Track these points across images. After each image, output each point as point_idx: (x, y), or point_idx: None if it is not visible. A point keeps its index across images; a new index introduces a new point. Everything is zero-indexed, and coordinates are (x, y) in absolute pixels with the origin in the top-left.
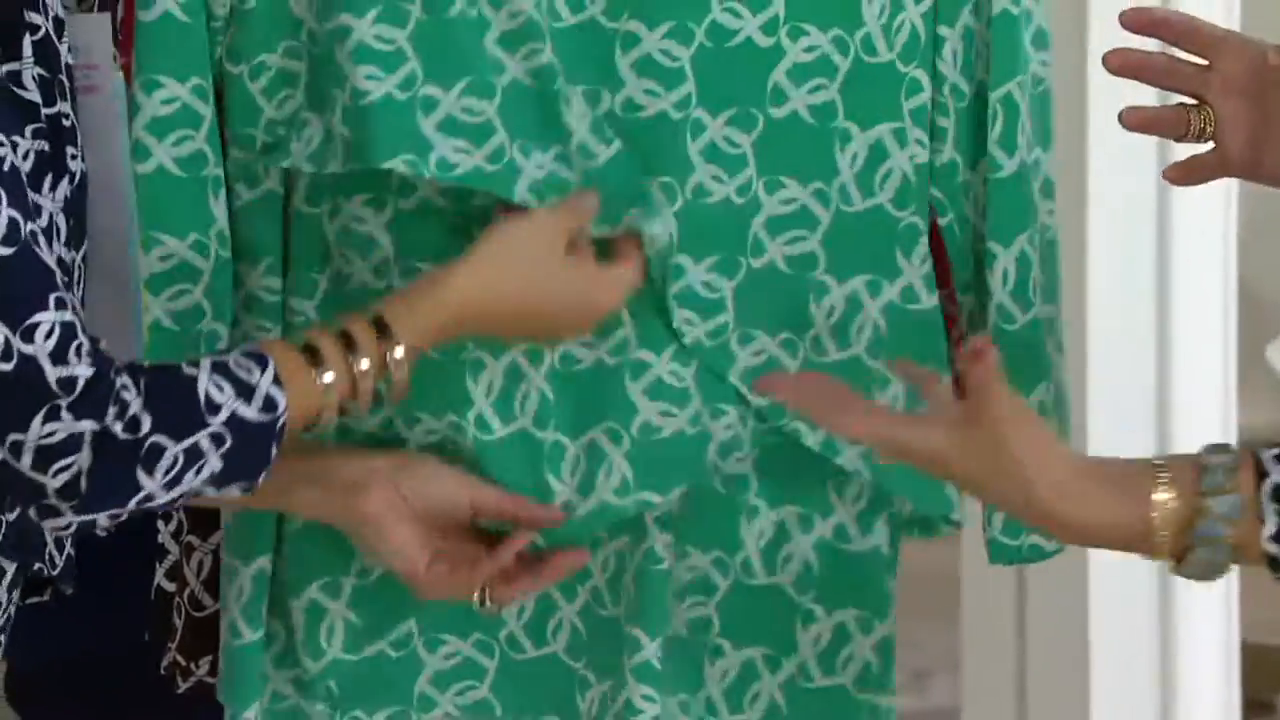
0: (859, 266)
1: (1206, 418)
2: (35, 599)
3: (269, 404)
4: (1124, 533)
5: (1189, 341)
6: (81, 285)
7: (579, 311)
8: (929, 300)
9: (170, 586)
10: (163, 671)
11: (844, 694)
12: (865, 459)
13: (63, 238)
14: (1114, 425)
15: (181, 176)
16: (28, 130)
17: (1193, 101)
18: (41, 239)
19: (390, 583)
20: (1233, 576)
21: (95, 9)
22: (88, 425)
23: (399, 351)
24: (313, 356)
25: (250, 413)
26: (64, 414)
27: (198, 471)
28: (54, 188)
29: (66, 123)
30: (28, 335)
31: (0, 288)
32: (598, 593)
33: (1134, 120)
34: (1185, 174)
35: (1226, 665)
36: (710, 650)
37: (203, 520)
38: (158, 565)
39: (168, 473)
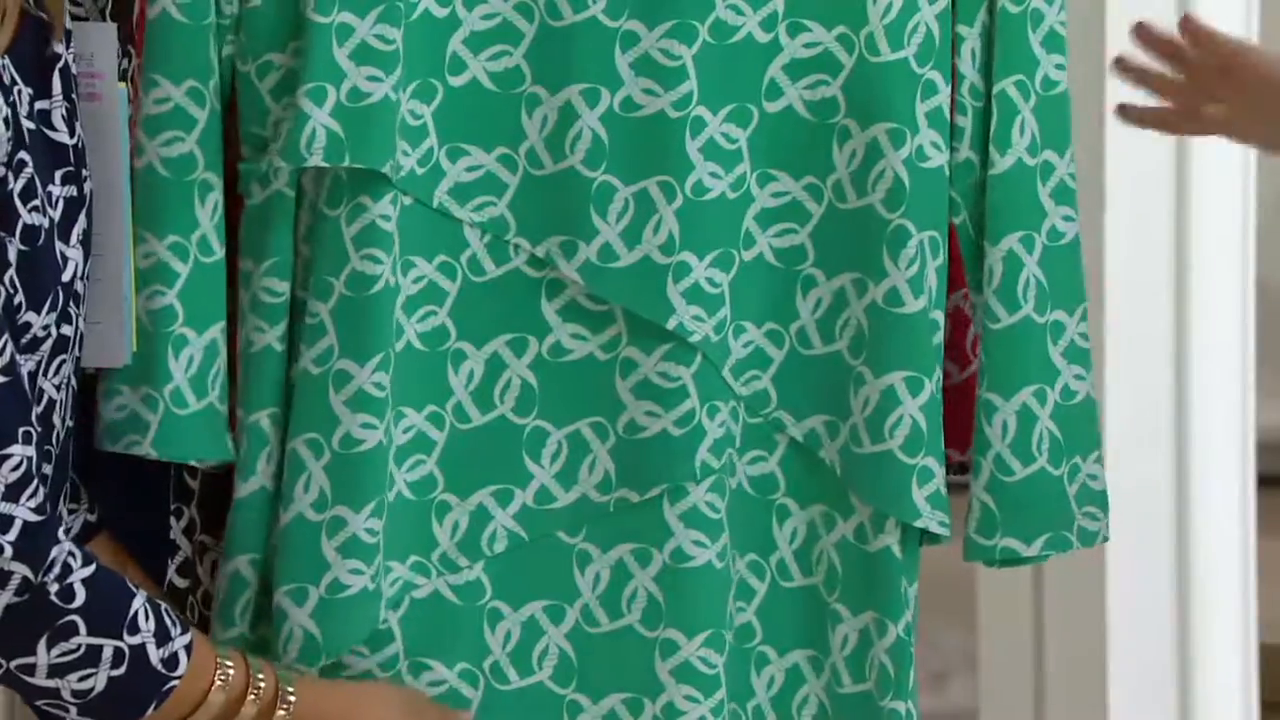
0: (848, 264)
1: (1225, 419)
2: None
3: (172, 662)
4: None
5: (1207, 342)
6: (85, 303)
7: None
8: (914, 304)
9: (183, 583)
10: None
11: (870, 700)
12: (841, 453)
13: (80, 273)
14: (1132, 427)
15: (167, 177)
16: (58, 176)
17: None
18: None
19: (361, 599)
20: (1250, 577)
21: (107, 17)
22: (20, 569)
23: (291, 703)
24: (222, 669)
25: (154, 657)
26: (5, 549)
27: (82, 678)
28: (75, 229)
29: (80, 146)
30: None
31: None
32: (589, 611)
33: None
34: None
35: (1245, 666)
36: (755, 659)
37: (216, 520)
38: (169, 562)
39: (62, 656)
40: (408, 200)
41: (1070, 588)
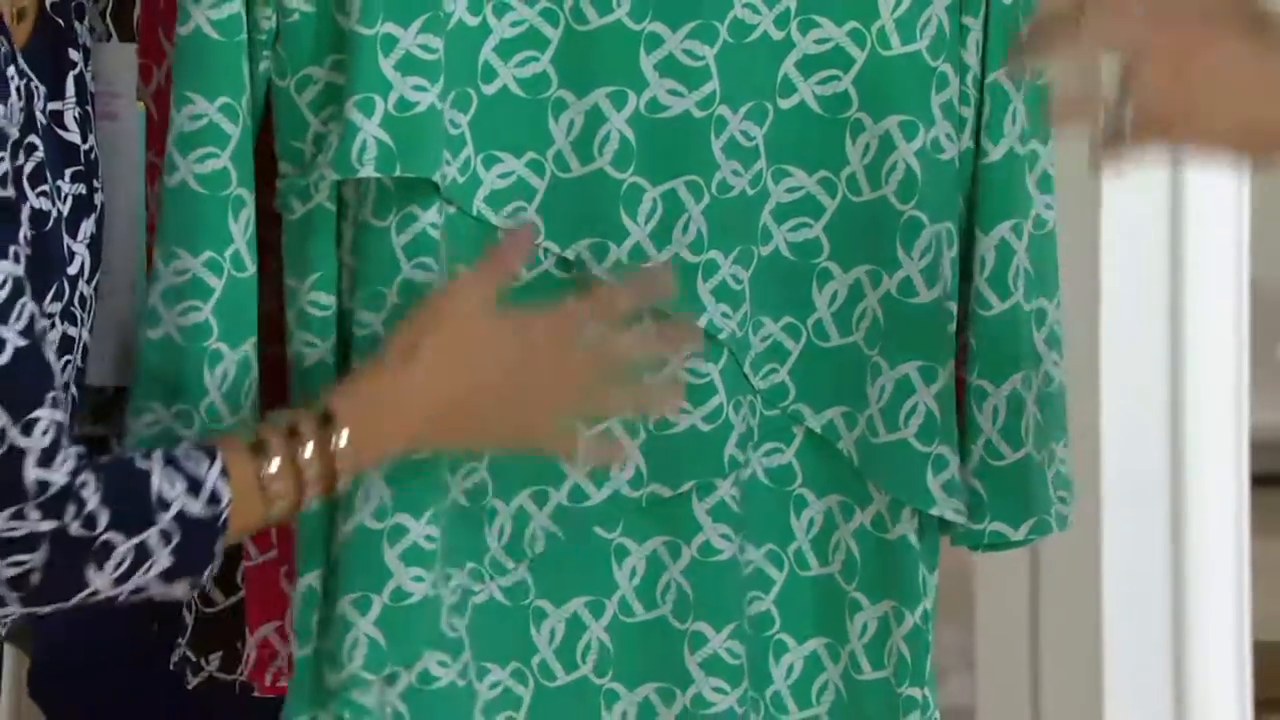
0: (863, 256)
1: (1219, 417)
2: None
3: (214, 498)
4: None
5: (1201, 340)
6: (91, 315)
7: (535, 367)
8: (928, 295)
9: None
10: (172, 667)
11: (888, 686)
12: (858, 445)
13: (86, 275)
14: (1126, 425)
15: (201, 194)
16: (68, 173)
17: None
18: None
19: (424, 606)
20: (1244, 575)
21: (108, 18)
22: (48, 526)
23: (343, 440)
24: (259, 450)
25: (196, 508)
26: (30, 513)
27: (147, 569)
28: (83, 228)
29: (93, 156)
30: (27, 429)
31: (12, 379)
32: (625, 601)
33: None
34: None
35: (1239, 663)
36: (774, 647)
37: None
38: None
39: (117, 568)
40: (450, 209)
41: (1066, 586)
